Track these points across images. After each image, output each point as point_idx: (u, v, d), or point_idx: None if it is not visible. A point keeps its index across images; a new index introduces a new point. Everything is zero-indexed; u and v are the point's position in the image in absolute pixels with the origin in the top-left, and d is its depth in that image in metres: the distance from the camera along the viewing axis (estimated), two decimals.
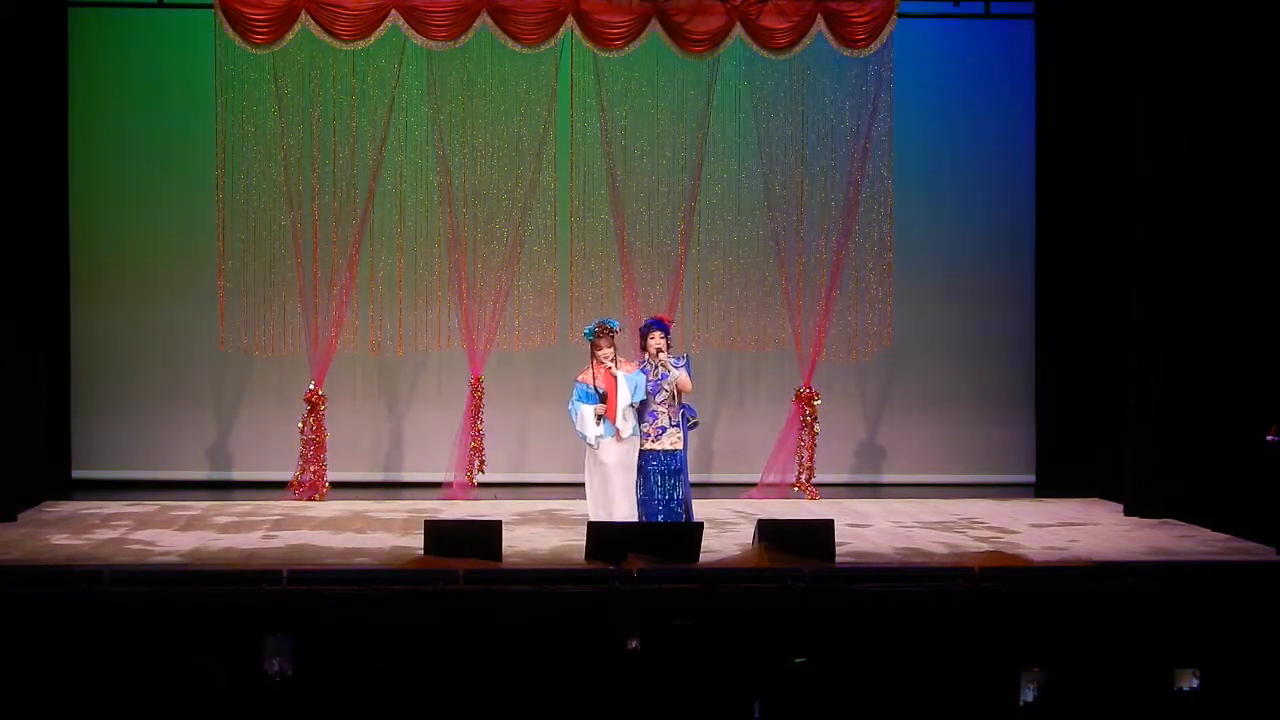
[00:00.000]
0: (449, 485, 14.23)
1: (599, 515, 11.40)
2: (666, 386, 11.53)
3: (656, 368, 11.52)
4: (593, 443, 11.44)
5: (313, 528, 12.29)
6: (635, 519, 11.37)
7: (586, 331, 11.68)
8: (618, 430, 11.34)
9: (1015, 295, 15.24)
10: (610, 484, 11.48)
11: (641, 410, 11.47)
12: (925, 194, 15.07)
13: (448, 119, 14.22)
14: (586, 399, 11.47)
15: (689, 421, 11.75)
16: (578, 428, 11.48)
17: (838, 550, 10.56)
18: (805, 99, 14.40)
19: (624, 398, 11.31)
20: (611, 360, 11.52)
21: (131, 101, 14.83)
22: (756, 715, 5.74)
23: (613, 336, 11.62)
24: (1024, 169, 15.16)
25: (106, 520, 12.59)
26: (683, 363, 11.67)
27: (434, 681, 6.04)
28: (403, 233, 14.44)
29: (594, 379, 11.55)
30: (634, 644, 7.06)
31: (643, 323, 11.91)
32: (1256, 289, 12.87)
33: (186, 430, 14.92)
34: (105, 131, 14.77)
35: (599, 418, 11.43)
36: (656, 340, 11.56)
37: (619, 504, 11.45)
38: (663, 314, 12.18)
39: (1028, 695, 6.04)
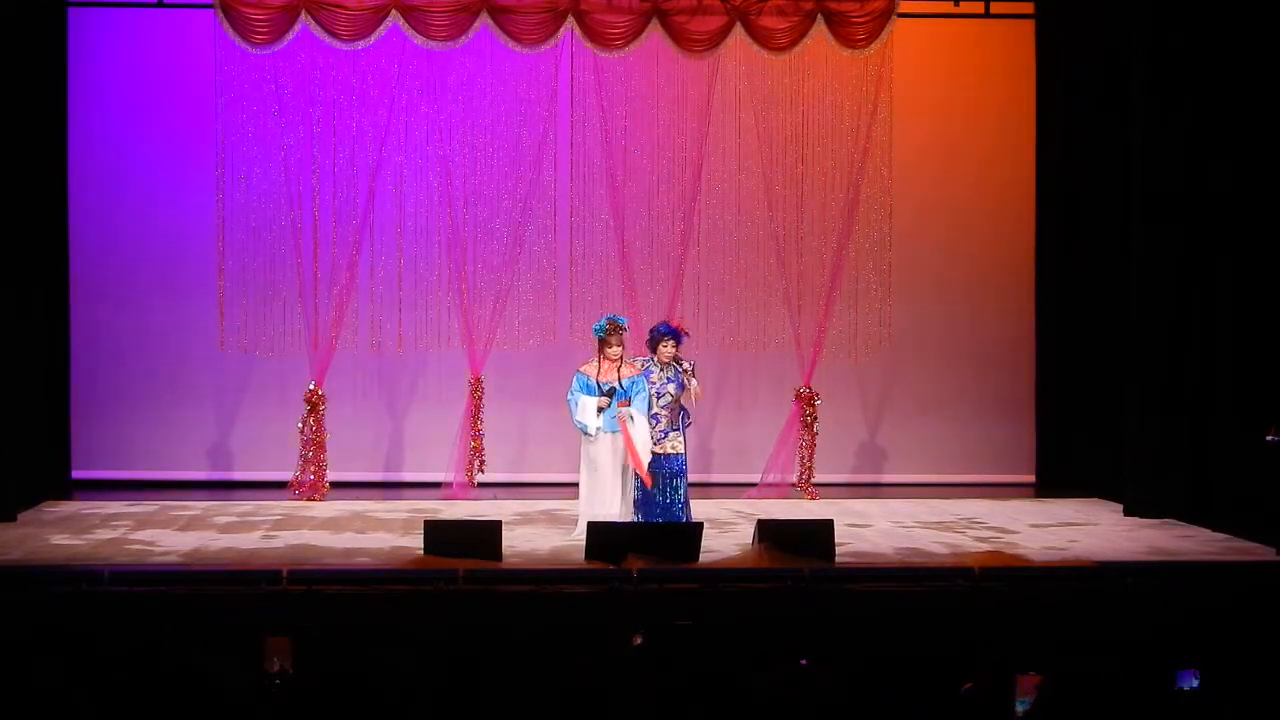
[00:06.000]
0: (449, 485, 14.23)
1: (591, 512, 11.44)
2: (672, 393, 11.56)
3: (664, 368, 11.58)
4: (591, 433, 11.52)
5: (313, 528, 12.29)
6: (627, 518, 11.41)
7: (596, 327, 11.75)
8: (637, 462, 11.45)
9: (1015, 295, 15.23)
10: (604, 480, 11.54)
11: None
12: (925, 194, 15.08)
13: (448, 119, 14.22)
14: (588, 391, 11.55)
15: (685, 422, 11.80)
16: (577, 417, 11.56)
17: (838, 550, 10.56)
18: (805, 99, 14.40)
19: (643, 454, 11.41)
20: (619, 359, 11.57)
21: (131, 101, 14.83)
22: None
23: (622, 334, 11.68)
24: (1024, 169, 15.16)
25: (106, 520, 12.59)
26: (689, 367, 11.72)
27: (434, 681, 6.04)
28: (402, 233, 14.45)
29: (598, 373, 11.61)
30: (638, 640, 7.06)
31: (656, 326, 11.89)
32: (1256, 288, 12.88)
33: (186, 430, 14.91)
34: (105, 131, 14.77)
35: (599, 410, 11.50)
36: (668, 349, 11.61)
37: (611, 501, 11.50)
38: (676, 320, 12.17)
39: (1024, 704, 6.05)
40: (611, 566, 9.93)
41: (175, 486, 14.48)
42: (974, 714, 6.11)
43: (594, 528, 10.60)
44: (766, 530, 10.68)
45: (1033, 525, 12.58)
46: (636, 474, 11.57)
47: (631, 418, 11.45)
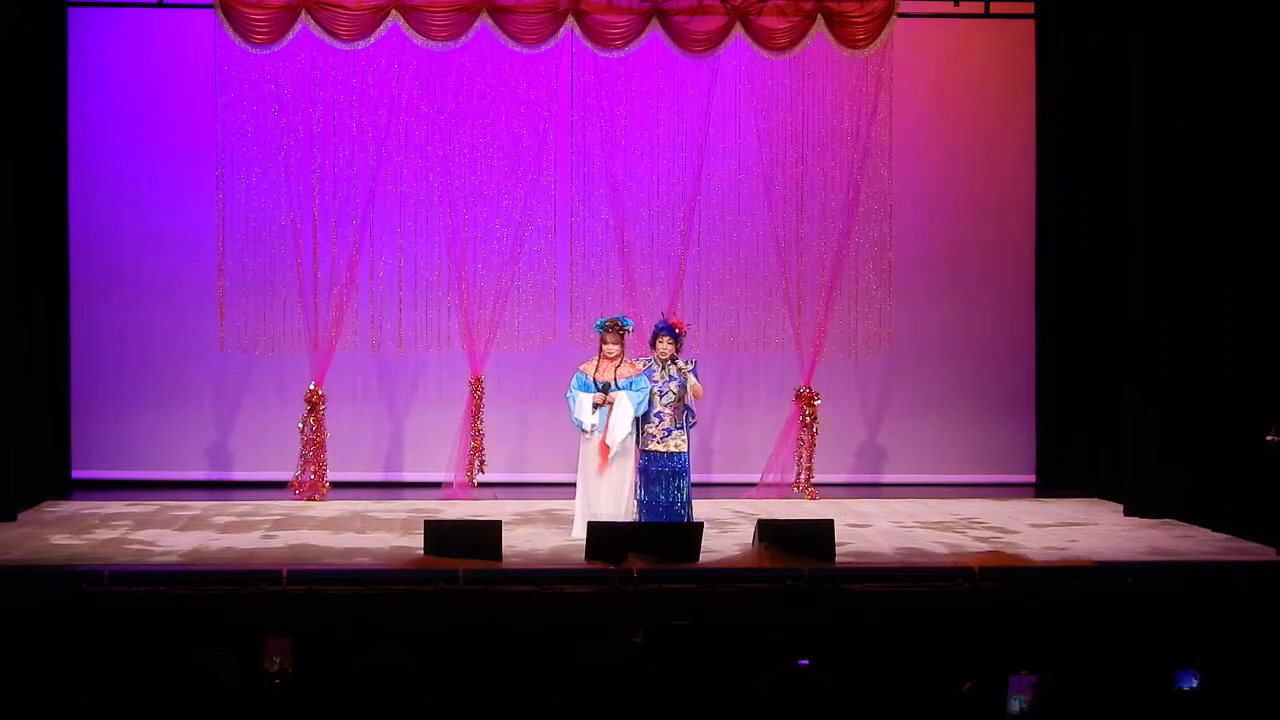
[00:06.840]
0: (449, 485, 14.23)
1: (587, 511, 11.45)
2: (675, 390, 11.54)
3: (665, 366, 11.56)
4: (587, 430, 11.54)
5: (313, 528, 12.29)
6: (620, 516, 11.41)
7: (598, 324, 11.79)
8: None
9: (1015, 295, 15.22)
10: (600, 479, 11.54)
11: (646, 412, 11.54)
12: (925, 194, 15.07)
13: (448, 119, 14.22)
14: (585, 388, 11.57)
15: (690, 421, 11.79)
16: (574, 414, 11.59)
17: (838, 550, 10.56)
18: (805, 99, 14.40)
19: (615, 433, 11.41)
20: (617, 358, 11.58)
21: (131, 101, 14.83)
22: None
23: (622, 335, 11.68)
24: (1024, 169, 15.16)
25: (106, 520, 12.58)
26: (691, 367, 11.71)
27: (434, 681, 6.04)
28: (402, 233, 14.45)
29: (595, 370, 11.63)
30: (638, 639, 7.06)
31: (655, 323, 11.91)
32: (1257, 288, 12.88)
33: (186, 430, 14.91)
34: (105, 131, 14.76)
35: (595, 406, 11.51)
36: (664, 345, 11.58)
37: (607, 500, 11.50)
38: (676, 319, 12.16)
39: (1019, 704, 6.05)
40: (611, 566, 9.93)
41: (175, 486, 14.48)
42: (973, 714, 6.11)
43: (594, 528, 10.60)
44: (766, 530, 10.68)
45: (1033, 525, 12.58)
46: (637, 474, 11.58)
47: (611, 402, 11.46)
